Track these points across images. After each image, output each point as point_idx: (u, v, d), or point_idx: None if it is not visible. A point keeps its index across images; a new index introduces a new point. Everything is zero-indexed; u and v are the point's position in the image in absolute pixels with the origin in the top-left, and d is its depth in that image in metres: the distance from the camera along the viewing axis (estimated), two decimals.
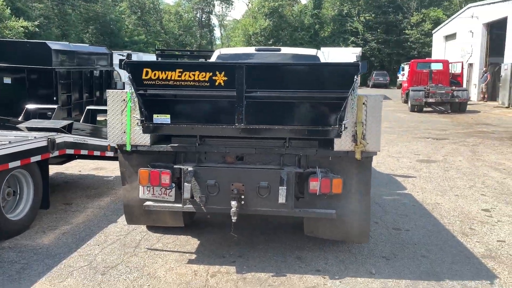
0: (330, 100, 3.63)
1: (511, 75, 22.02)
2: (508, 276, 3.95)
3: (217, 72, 3.66)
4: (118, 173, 7.30)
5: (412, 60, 23.95)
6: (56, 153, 5.10)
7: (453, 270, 4.05)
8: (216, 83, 3.67)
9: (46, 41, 12.16)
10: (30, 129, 5.59)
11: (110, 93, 4.07)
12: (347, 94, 3.56)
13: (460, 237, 4.90)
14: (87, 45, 15.06)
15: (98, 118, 8.48)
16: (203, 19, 71.51)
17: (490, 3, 25.94)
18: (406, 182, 7.28)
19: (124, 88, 16.24)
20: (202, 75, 3.67)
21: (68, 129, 5.62)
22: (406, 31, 48.40)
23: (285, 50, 6.69)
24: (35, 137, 4.86)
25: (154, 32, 57.92)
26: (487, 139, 12.19)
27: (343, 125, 3.64)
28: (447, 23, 34.52)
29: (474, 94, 26.53)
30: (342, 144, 3.87)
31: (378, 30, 50.01)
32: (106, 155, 6.26)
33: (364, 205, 4.04)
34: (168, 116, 3.79)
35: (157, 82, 3.71)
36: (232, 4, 73.97)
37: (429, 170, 8.25)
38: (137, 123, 3.85)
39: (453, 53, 31.49)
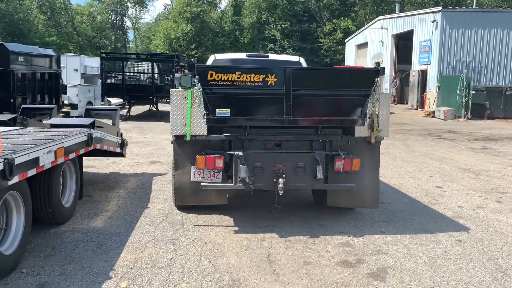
0: (358, 96, 4.73)
1: (418, 81, 25.15)
2: (475, 228, 5.33)
3: (269, 74, 4.59)
4: (110, 169, 7.79)
5: (334, 66, 26.20)
6: (92, 147, 5.60)
7: (438, 227, 5.36)
8: (268, 83, 4.60)
9: (3, 43, 11.88)
10: (53, 125, 5.97)
11: (173, 92, 4.79)
12: (370, 92, 4.70)
13: (430, 205, 6.29)
14: (37, 47, 14.66)
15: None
16: (116, 21, 69.67)
17: (397, 17, 29.21)
18: None
19: (65, 91, 16.09)
20: (257, 77, 4.57)
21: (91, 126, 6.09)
22: (320, 40, 51.75)
23: (273, 56, 7.71)
24: (79, 132, 5.33)
25: (66, 33, 55.38)
26: (412, 135, 14.24)
27: (366, 116, 4.77)
28: (359, 33, 37.81)
29: None
30: (361, 131, 4.99)
31: (294, 38, 52.87)
32: (116, 151, 6.78)
33: (375, 178, 5.20)
34: (228, 110, 4.63)
35: (220, 82, 4.54)
36: (146, 7, 73.01)
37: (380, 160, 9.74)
38: (203, 116, 4.63)
39: (365, 61, 34.72)
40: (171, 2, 54.41)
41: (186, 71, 39.28)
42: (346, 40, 42.10)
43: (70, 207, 5.24)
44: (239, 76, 4.55)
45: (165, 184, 7.10)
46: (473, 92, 20.45)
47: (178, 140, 4.97)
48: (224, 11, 55.28)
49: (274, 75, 4.59)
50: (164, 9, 65.43)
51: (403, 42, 29.90)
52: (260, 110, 4.72)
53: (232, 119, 4.68)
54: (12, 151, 3.75)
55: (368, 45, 34.80)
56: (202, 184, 4.93)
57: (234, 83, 4.56)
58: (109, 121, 7.40)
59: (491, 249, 4.64)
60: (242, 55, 7.74)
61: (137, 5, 70.08)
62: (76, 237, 4.71)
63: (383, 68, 4.72)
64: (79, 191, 5.62)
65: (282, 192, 4.80)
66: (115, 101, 21.06)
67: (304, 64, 7.60)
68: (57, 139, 4.67)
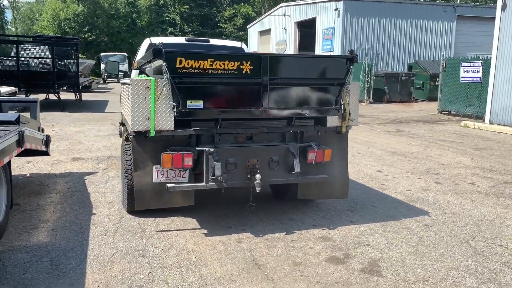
0: (334, 85, 4.54)
1: None
2: (433, 212, 5.53)
3: (244, 62, 4.19)
4: (28, 170, 6.78)
5: None
6: (23, 147, 4.71)
7: (400, 212, 5.45)
8: (243, 71, 4.20)
9: None
10: None
11: (133, 82, 4.14)
12: (346, 80, 4.54)
13: (382, 190, 6.42)
14: None
15: None
16: None
17: (300, 4, 29.95)
18: None
19: None
20: (231, 64, 4.15)
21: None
22: (221, 25, 51.44)
23: (214, 41, 7.23)
24: (6, 130, 4.42)
25: None
26: None
27: (342, 105, 4.61)
28: (261, 20, 38.18)
29: None
30: (333, 121, 4.83)
31: (194, 22, 51.84)
32: (42, 149, 5.85)
33: (344, 168, 5.10)
34: (201, 102, 4.15)
35: (191, 70, 4.04)
36: None
37: None
38: (172, 109, 4.08)
39: (268, 47, 35.22)
40: None
41: (80, 55, 36.44)
42: (248, 26, 42.30)
43: (2, 221, 4.35)
44: (211, 63, 4.08)
45: (102, 185, 6.33)
46: (374, 77, 21.79)
47: (138, 136, 4.35)
48: None
49: (249, 62, 4.20)
50: None
51: (305, 29, 30.85)
52: (234, 101, 4.30)
53: (204, 112, 4.20)
54: None
55: (271, 32, 35.32)
56: (169, 185, 4.39)
57: (207, 71, 4.08)
58: (27, 114, 6.36)
59: (458, 232, 4.82)
60: (181, 39, 7.16)
61: None
62: (21, 258, 3.90)
63: (357, 55, 4.59)
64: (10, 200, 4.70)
65: (259, 188, 4.46)
66: (5, 89, 18.65)
67: (246, 50, 7.27)
68: None
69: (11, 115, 5.11)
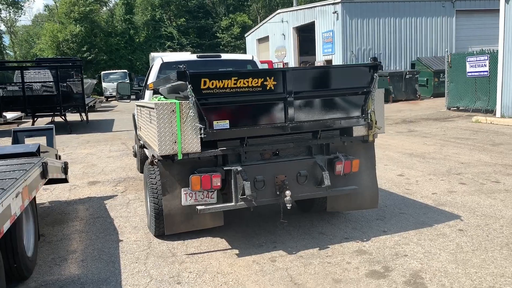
0: (359, 94, 4.46)
1: None
2: (465, 215, 5.41)
3: (267, 78, 4.12)
4: (46, 198, 6.71)
5: None
6: (47, 178, 4.64)
7: (431, 218, 5.34)
8: (267, 87, 4.13)
9: None
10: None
11: (158, 106, 4.06)
12: (370, 88, 4.46)
13: (407, 196, 6.31)
14: None
15: None
16: None
17: (297, 10, 29.99)
18: None
19: None
20: (255, 81, 4.07)
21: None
22: (218, 35, 51.57)
23: (225, 56, 7.17)
24: (31, 163, 4.35)
25: None
26: None
27: (368, 114, 4.52)
28: (258, 27, 38.24)
29: None
30: (359, 130, 4.74)
31: (191, 34, 52.00)
32: (62, 177, 5.78)
33: (373, 177, 5.00)
34: (227, 121, 4.06)
35: (215, 90, 3.96)
36: (21, 9, 66.29)
37: None
38: (200, 130, 4.00)
39: (267, 55, 35.24)
40: (55, 2, 49.95)
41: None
42: (246, 35, 42.39)
43: (32, 255, 4.27)
44: (235, 81, 4.00)
45: (123, 209, 6.24)
46: (377, 78, 21.67)
47: (165, 160, 4.27)
48: (112, 9, 52.34)
49: (273, 78, 4.12)
50: (45, 10, 60.15)
51: (304, 34, 30.87)
52: (260, 118, 4.22)
53: (231, 131, 4.12)
54: None
55: (270, 39, 35.37)
56: (199, 208, 4.30)
57: (231, 90, 4.01)
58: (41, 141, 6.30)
59: (495, 235, 4.70)
60: (192, 57, 7.10)
61: (10, 7, 63.37)
62: None
63: (380, 63, 4.50)
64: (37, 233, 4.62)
65: (290, 205, 4.37)
66: (11, 115, 18.69)
67: (258, 62, 7.20)
68: (15, 175, 3.71)
69: (32, 145, 5.05)
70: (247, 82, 4.04)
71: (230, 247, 4.73)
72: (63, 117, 16.38)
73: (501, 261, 4.08)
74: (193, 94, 3.89)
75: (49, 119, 18.71)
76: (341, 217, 5.47)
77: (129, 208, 6.25)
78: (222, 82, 3.96)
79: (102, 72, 37.41)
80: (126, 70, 37.88)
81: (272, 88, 4.14)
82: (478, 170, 7.53)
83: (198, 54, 7.07)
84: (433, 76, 21.87)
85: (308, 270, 4.10)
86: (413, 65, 23.82)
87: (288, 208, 4.40)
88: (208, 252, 4.61)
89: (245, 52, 44.11)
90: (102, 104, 29.13)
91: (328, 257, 4.37)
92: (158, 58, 6.87)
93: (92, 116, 21.80)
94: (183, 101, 4.11)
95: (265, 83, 4.10)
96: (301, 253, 4.49)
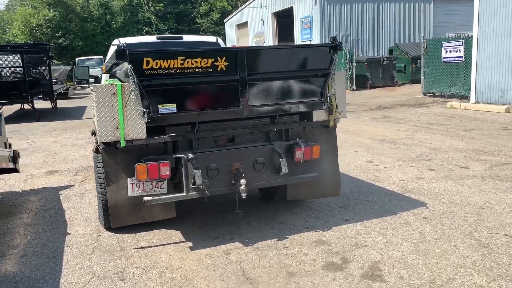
0: (318, 76, 4.20)
1: None
2: (430, 202, 5.24)
3: (219, 58, 3.82)
4: (1, 189, 6.35)
5: None
6: None
7: (396, 206, 5.16)
8: (219, 68, 3.83)
9: None
10: None
11: (97, 88, 3.73)
12: (330, 70, 4.20)
13: (374, 182, 6.12)
14: None
15: None
16: None
17: None
18: None
19: None
20: (205, 61, 3.77)
21: None
22: (197, 20, 50.69)
23: (187, 38, 6.82)
24: None
25: None
26: None
27: (327, 97, 4.27)
28: (237, 13, 37.62)
29: None
30: (320, 115, 4.49)
31: (170, 20, 50.98)
32: (9, 166, 5.41)
33: (335, 164, 4.77)
34: (174, 105, 3.76)
35: (160, 71, 3.65)
36: None
37: None
38: (143, 115, 3.69)
39: (246, 40, 34.75)
40: None
41: (55, 61, 35.44)
42: (225, 20, 41.73)
43: None
44: (182, 61, 3.69)
45: (78, 199, 5.91)
46: (355, 64, 21.52)
47: (108, 148, 3.95)
48: None
49: (224, 58, 3.82)
50: None
51: (283, 19, 30.42)
52: (211, 101, 3.92)
53: (179, 116, 3.82)
54: None
55: (249, 24, 34.83)
56: (146, 198, 4.01)
57: (178, 71, 3.70)
58: None
59: (460, 223, 4.53)
60: (152, 38, 6.73)
61: None
62: None
63: (340, 43, 4.24)
64: None
65: (245, 194, 4.11)
66: None
67: (222, 45, 6.87)
68: None
69: None
70: (196, 62, 3.74)
71: (184, 239, 4.46)
72: (30, 104, 15.77)
73: (463, 250, 3.91)
74: (134, 75, 3.57)
75: (18, 106, 18.06)
76: (304, 206, 5.24)
77: (84, 199, 5.92)
78: (167, 62, 3.64)
79: (77, 59, 36.36)
80: (102, 57, 36.88)
81: (224, 69, 3.84)
82: (448, 156, 7.40)
83: (158, 36, 6.70)
84: (410, 62, 21.76)
85: (262, 263, 3.87)
86: (391, 51, 23.68)
87: (243, 197, 4.14)
88: (159, 245, 4.33)
89: (224, 38, 43.49)
90: (76, 91, 28.33)
91: (286, 248, 4.14)
92: (115, 40, 6.48)
93: (64, 103, 21.14)
94: (126, 83, 3.79)
95: (215, 63, 3.80)
96: (258, 244, 4.25)
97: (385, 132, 9.96)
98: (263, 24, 31.73)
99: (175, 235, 4.57)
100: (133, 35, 45.24)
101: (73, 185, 6.68)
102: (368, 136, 9.56)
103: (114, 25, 48.17)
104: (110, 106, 3.78)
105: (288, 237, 4.39)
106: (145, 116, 3.69)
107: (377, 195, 5.55)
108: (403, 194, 5.55)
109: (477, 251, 3.88)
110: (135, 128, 3.85)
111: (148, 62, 3.59)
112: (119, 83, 3.83)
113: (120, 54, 3.54)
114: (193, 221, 4.88)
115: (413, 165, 6.95)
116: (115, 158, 4.01)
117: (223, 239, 4.41)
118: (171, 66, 3.66)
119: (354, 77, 21.36)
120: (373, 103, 16.08)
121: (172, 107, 3.75)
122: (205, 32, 49.92)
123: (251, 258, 3.97)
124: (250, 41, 33.92)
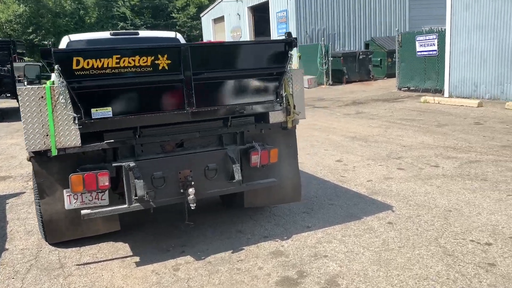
0: (272, 75, 3.88)
1: None
2: (397, 205, 5.00)
3: (160, 56, 3.47)
4: None
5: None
6: None
7: (361, 209, 4.90)
8: (160, 67, 3.49)
9: None
10: None
11: (23, 91, 3.34)
12: (285, 68, 3.88)
13: (341, 184, 5.86)
14: None
15: None
16: None
17: None
18: None
19: None
20: (144, 59, 3.43)
21: None
22: (173, 15, 49.86)
23: (144, 33, 6.42)
24: None
25: None
26: None
27: (283, 98, 3.96)
28: (214, 7, 37.04)
29: None
30: (276, 116, 4.18)
31: (146, 14, 50.06)
32: None
33: (295, 168, 4.48)
34: (109, 109, 3.40)
35: (92, 71, 3.29)
36: None
37: None
38: (74, 121, 3.32)
39: (223, 35, 34.25)
40: None
41: (26, 58, 34.36)
42: (201, 15, 41.10)
43: None
44: (118, 60, 3.33)
45: (24, 209, 5.50)
46: (331, 58, 21.32)
47: (39, 157, 3.57)
48: None
49: (166, 55, 3.47)
50: None
51: (259, 14, 30.05)
52: (153, 103, 3.57)
53: (116, 120, 3.46)
54: None
55: (225, 19, 34.34)
56: (83, 212, 3.64)
57: (113, 71, 3.34)
58: None
59: (425, 228, 4.30)
60: (105, 34, 6.29)
61: None
62: None
63: (296, 38, 3.92)
64: None
65: (195, 205, 3.78)
66: None
67: (182, 41, 6.49)
68: None
69: None
70: (133, 61, 3.38)
71: (131, 253, 4.11)
72: None
73: (427, 259, 3.67)
74: (61, 76, 3.19)
75: None
76: (266, 212, 4.94)
77: (32, 208, 5.49)
78: (100, 61, 3.28)
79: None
80: None
81: (166, 68, 3.50)
82: (419, 154, 7.20)
83: (112, 32, 6.28)
84: (386, 56, 21.66)
85: (212, 279, 3.55)
86: (367, 45, 23.56)
87: (192, 208, 3.81)
88: (103, 261, 3.97)
89: (201, 33, 42.89)
90: None
91: (240, 261, 3.83)
92: (65, 37, 6.04)
93: None
94: (56, 86, 3.41)
95: (156, 61, 3.45)
96: (210, 258, 3.93)
97: (358, 129, 9.73)
98: (240, 19, 31.29)
99: (123, 248, 4.22)
100: (108, 30, 44.27)
101: (24, 193, 6.24)
102: (340, 133, 9.33)
103: (88, 21, 46.97)
104: (38, 111, 3.40)
105: (244, 248, 4.08)
106: (76, 121, 3.32)
107: (343, 198, 5.29)
108: (370, 197, 5.30)
109: (442, 261, 3.64)
110: (68, 134, 3.48)
111: (78, 62, 3.22)
112: (47, 85, 3.44)
113: (46, 54, 3.16)
114: (144, 233, 4.53)
115: (382, 164, 6.71)
116: (48, 168, 3.63)
117: (174, 252, 4.07)
118: (105, 65, 3.30)
119: (330, 72, 21.17)
120: (348, 98, 15.89)
121: (107, 111, 3.39)
122: (181, 27, 49.18)
123: (200, 274, 3.65)
124: (226, 36, 33.45)
